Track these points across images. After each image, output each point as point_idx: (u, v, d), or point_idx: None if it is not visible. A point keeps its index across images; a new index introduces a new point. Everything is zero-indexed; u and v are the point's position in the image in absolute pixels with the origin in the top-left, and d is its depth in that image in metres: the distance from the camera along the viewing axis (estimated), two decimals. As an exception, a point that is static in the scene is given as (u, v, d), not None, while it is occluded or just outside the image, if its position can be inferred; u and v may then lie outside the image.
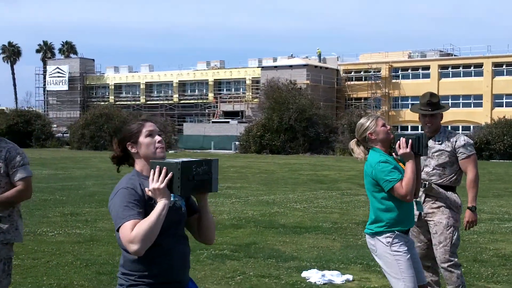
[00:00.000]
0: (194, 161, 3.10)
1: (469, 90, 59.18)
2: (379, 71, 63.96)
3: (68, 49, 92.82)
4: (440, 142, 5.82)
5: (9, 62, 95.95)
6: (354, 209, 14.42)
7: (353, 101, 64.67)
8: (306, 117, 53.12)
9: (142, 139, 3.27)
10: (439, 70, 61.34)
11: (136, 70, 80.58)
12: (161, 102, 74.74)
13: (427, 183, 5.84)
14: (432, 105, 5.81)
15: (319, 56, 68.49)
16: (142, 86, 76.89)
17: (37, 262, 8.03)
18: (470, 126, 56.28)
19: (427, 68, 62.06)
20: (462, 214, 5.84)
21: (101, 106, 63.60)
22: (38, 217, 12.16)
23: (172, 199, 3.14)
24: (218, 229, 10.97)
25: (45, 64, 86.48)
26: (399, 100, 63.46)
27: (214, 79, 72.35)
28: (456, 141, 5.80)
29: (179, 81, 74.46)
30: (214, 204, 14.75)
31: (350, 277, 7.38)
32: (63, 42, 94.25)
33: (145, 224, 2.98)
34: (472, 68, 60.15)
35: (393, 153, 4.68)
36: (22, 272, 7.42)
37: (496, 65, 58.96)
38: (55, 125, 72.02)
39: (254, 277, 7.34)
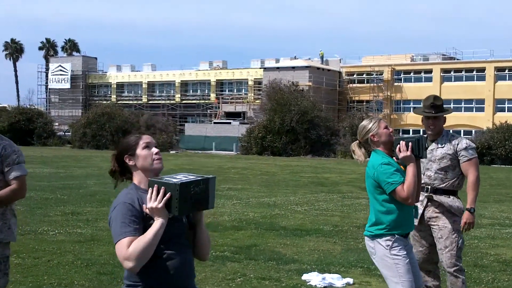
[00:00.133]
0: (193, 181, 3.11)
1: (471, 94, 59.15)
2: (382, 74, 63.96)
3: (71, 47, 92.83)
4: (442, 146, 5.82)
5: (11, 59, 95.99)
6: (355, 212, 14.41)
7: (355, 103, 64.67)
8: (308, 119, 53.12)
9: (140, 151, 3.30)
10: (441, 74, 61.31)
11: (139, 69, 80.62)
12: (163, 101, 74.77)
13: (429, 187, 5.84)
14: (436, 108, 5.82)
15: (322, 58, 68.47)
16: (144, 86, 76.91)
17: (38, 261, 8.03)
18: (471, 131, 56.24)
19: (430, 71, 62.03)
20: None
21: (103, 105, 63.65)
22: (39, 216, 12.17)
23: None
24: (218, 230, 10.98)
25: (47, 62, 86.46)
26: (401, 104, 63.43)
27: (216, 80, 72.35)
28: (458, 144, 5.80)
29: (181, 81, 74.49)
30: (215, 206, 14.73)
31: (350, 280, 7.38)
32: (66, 39, 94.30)
33: (141, 242, 3.03)
34: (474, 72, 60.12)
35: (394, 157, 4.68)
36: (23, 271, 7.43)
37: (498, 69, 58.93)
38: (56, 124, 72.05)
39: (254, 279, 7.34)
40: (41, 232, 10.29)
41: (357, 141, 4.85)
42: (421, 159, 5.46)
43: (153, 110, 71.15)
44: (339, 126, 54.05)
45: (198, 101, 72.66)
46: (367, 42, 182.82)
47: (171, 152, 53.48)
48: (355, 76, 66.38)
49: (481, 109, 58.98)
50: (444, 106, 5.98)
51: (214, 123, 65.64)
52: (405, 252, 4.59)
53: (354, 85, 65.98)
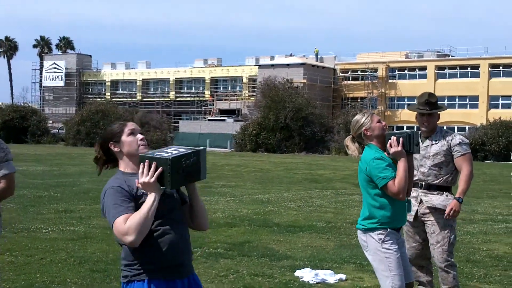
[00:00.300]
0: (184, 155, 3.14)
1: (466, 91, 59.29)
2: (376, 71, 64.02)
3: (65, 44, 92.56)
4: (436, 142, 5.84)
5: (5, 57, 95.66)
6: (348, 209, 14.44)
7: (350, 100, 64.73)
8: (302, 116, 53.16)
9: (125, 137, 3.35)
10: (435, 71, 61.42)
11: (133, 67, 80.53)
12: (158, 99, 74.68)
13: (423, 183, 5.85)
14: (430, 105, 5.83)
15: (317, 55, 68.49)
16: (139, 83, 76.82)
17: (31, 259, 8.02)
18: (465, 127, 56.36)
19: (424, 68, 62.14)
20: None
21: (97, 103, 63.53)
22: (32, 214, 12.15)
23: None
24: (212, 227, 10.97)
25: (42, 60, 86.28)
26: (396, 100, 63.53)
27: (211, 77, 72.31)
28: (452, 140, 5.82)
29: (175, 78, 74.41)
30: (208, 202, 14.75)
31: (343, 276, 7.39)
32: (60, 37, 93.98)
33: (137, 216, 3.06)
34: (469, 69, 60.25)
35: (385, 152, 4.69)
36: (16, 269, 7.42)
37: (492, 66, 59.06)
38: (50, 121, 71.94)
39: (247, 276, 7.35)
40: (34, 230, 10.27)
41: (351, 135, 4.86)
42: (415, 155, 5.49)
43: (147, 107, 71.09)
44: (334, 123, 54.12)
45: (192, 99, 72.61)
46: (362, 40, 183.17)
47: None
48: (349, 73, 66.43)
49: (475, 106, 59.12)
50: (438, 103, 6.00)
51: (209, 120, 65.63)
52: (396, 247, 4.61)
53: (349, 82, 66.04)
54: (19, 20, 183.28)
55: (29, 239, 9.37)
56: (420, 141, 5.57)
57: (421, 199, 5.83)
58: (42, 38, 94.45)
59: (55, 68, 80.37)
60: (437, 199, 5.77)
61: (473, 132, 49.60)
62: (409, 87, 60.70)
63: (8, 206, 12.35)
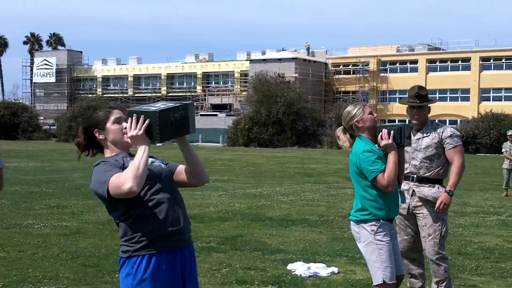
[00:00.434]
0: (172, 108, 3.17)
1: (457, 84, 59.46)
2: (367, 65, 64.10)
3: (56, 41, 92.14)
4: (428, 135, 5.85)
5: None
6: (340, 202, 14.47)
7: (341, 94, 64.82)
8: (294, 111, 53.21)
9: (110, 125, 3.38)
10: (427, 64, 61.56)
11: (124, 63, 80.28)
12: (149, 94, 74.52)
13: (415, 176, 5.87)
14: (420, 97, 5.85)
15: (308, 49, 68.52)
16: (130, 79, 76.63)
17: (23, 254, 8.00)
18: (457, 120, 56.55)
19: (415, 62, 62.26)
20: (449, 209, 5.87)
21: (88, 99, 63.41)
22: (24, 210, 12.12)
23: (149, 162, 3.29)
24: (204, 221, 10.99)
25: (32, 56, 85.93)
26: (387, 94, 63.66)
27: (203, 72, 72.22)
28: (443, 132, 5.83)
29: (167, 73, 74.27)
30: (201, 197, 14.75)
31: (335, 269, 7.41)
32: (50, 34, 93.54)
33: (130, 167, 3.10)
34: (459, 62, 60.42)
35: (376, 145, 4.71)
36: (8, 264, 7.40)
37: (483, 59, 59.24)
38: (42, 118, 71.71)
39: (240, 270, 7.36)
40: (26, 225, 10.25)
41: (342, 127, 4.87)
42: (406, 148, 5.50)
43: (139, 103, 70.80)
44: (326, 117, 54.21)
45: (184, 94, 72.46)
46: (353, 34, 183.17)
47: (158, 144, 53.35)
48: (341, 67, 66.49)
49: (467, 99, 59.31)
50: (428, 96, 6.01)
51: (201, 115, 65.54)
52: (388, 238, 4.63)
53: (340, 76, 66.10)
54: (9, 17, 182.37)
55: (21, 235, 9.35)
56: (411, 134, 5.59)
57: (413, 191, 5.84)
58: (33, 34, 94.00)
59: (46, 64, 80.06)
60: (428, 191, 5.79)
61: (465, 125, 49.81)
62: (400, 81, 60.79)
63: (-1, 202, 12.33)
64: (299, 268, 7.36)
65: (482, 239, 9.82)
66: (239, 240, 9.33)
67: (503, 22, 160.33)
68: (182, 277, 3.33)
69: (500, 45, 61.90)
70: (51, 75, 79.71)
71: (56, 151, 38.72)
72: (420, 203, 5.82)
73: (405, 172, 5.74)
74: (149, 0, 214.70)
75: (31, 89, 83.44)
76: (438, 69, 61.37)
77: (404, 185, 5.80)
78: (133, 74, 76.59)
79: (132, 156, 3.38)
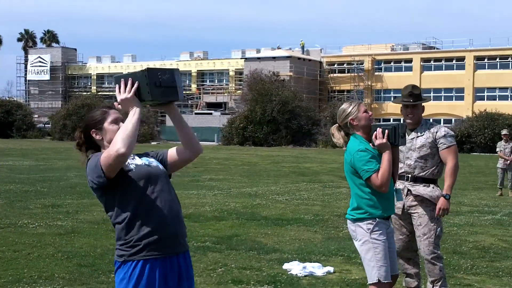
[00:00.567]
0: (159, 69, 3.23)
1: (451, 83, 59.58)
2: (362, 64, 64.17)
3: (50, 38, 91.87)
4: (422, 134, 5.86)
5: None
6: (335, 201, 14.48)
7: (336, 93, 64.89)
8: (289, 109, 53.22)
9: (107, 125, 3.35)
10: (421, 63, 61.67)
11: (119, 60, 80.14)
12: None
13: (409, 176, 5.88)
14: (414, 96, 5.86)
15: (303, 48, 68.54)
16: (125, 77, 76.37)
17: (18, 254, 7.98)
18: (451, 119, 56.67)
19: (410, 61, 62.35)
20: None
21: (83, 97, 63.29)
22: (19, 209, 12.08)
23: (145, 159, 3.33)
24: (200, 221, 10.99)
25: (26, 53, 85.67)
26: (382, 93, 63.75)
27: (197, 70, 72.16)
28: (437, 132, 5.84)
29: (162, 71, 74.02)
30: (196, 196, 14.75)
31: (331, 269, 7.41)
32: (44, 31, 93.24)
33: (122, 129, 3.10)
34: (454, 61, 60.54)
35: (370, 143, 4.71)
36: (3, 264, 7.38)
37: (478, 58, 59.37)
38: (36, 116, 71.47)
39: (235, 269, 7.36)
40: (21, 225, 10.22)
41: (337, 124, 4.87)
42: (401, 148, 5.51)
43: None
44: (320, 115, 54.24)
45: (179, 92, 72.28)
46: (347, 33, 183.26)
47: (153, 143, 53.37)
48: (335, 66, 66.55)
49: (461, 98, 59.43)
50: (422, 95, 6.03)
51: (196, 113, 65.51)
52: (384, 237, 4.64)
53: (335, 75, 66.17)
54: (3, 14, 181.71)
55: (16, 234, 9.33)
56: (406, 133, 5.59)
57: (408, 190, 5.85)
58: (27, 31, 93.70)
59: (40, 62, 79.85)
60: (424, 190, 5.80)
61: (459, 124, 49.93)
62: (395, 80, 60.88)
63: (-6, 201, 12.28)
64: (295, 268, 7.36)
65: (477, 238, 9.85)
66: (234, 239, 9.33)
67: (498, 21, 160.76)
68: (179, 284, 3.31)
69: (494, 44, 62.23)
70: (45, 73, 79.52)
71: (51, 149, 38.63)
72: (415, 203, 5.83)
73: (400, 171, 5.76)
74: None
75: (25, 87, 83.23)
76: (433, 68, 61.48)
77: (399, 185, 5.81)
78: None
79: (132, 155, 3.38)
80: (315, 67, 66.23)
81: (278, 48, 69.20)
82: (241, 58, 68.34)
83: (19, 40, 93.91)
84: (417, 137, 5.87)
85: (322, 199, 14.89)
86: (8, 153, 32.31)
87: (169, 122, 64.58)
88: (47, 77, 79.28)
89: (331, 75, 66.37)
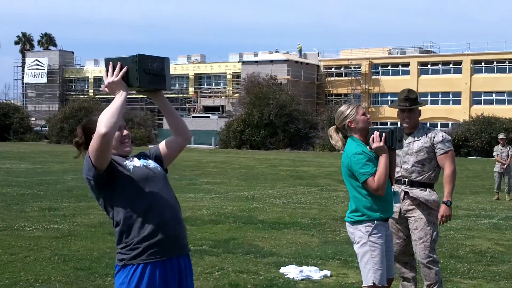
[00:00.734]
0: (149, 56, 3.24)
1: (448, 87, 59.65)
2: (359, 67, 64.22)
3: (47, 41, 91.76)
4: (419, 139, 5.87)
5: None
6: (333, 205, 14.48)
7: (333, 97, 64.90)
8: (286, 113, 53.25)
9: None
10: (418, 67, 61.73)
11: (116, 64, 79.95)
12: (141, 96, 74.30)
13: (406, 180, 5.88)
14: (410, 101, 5.87)
15: (300, 51, 68.58)
16: (122, 80, 76.33)
17: (14, 257, 7.97)
18: (448, 123, 56.73)
19: (407, 64, 62.42)
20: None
21: (80, 100, 63.22)
22: (16, 212, 12.07)
23: (144, 161, 3.35)
24: (197, 224, 10.98)
25: (23, 56, 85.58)
26: (379, 97, 63.80)
27: (195, 73, 72.16)
28: (434, 137, 5.85)
29: (159, 75, 74.00)
30: (193, 200, 14.74)
31: (328, 272, 7.41)
32: (42, 34, 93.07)
33: (105, 110, 3.11)
34: (451, 65, 60.62)
35: (368, 147, 4.72)
36: (-1, 267, 7.37)
37: (475, 62, 59.46)
38: (33, 118, 71.42)
39: (232, 273, 7.35)
40: (17, 228, 10.20)
41: (335, 126, 4.88)
42: (398, 152, 5.51)
43: (131, 104, 70.70)
44: (318, 119, 54.27)
45: (176, 95, 72.36)
46: (345, 36, 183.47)
47: (150, 146, 53.32)
48: (333, 69, 66.60)
49: (458, 102, 59.50)
50: (419, 99, 6.04)
51: (193, 117, 65.47)
52: (382, 241, 4.64)
53: (332, 78, 66.21)
54: (0, 16, 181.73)
55: (13, 237, 9.31)
56: (403, 137, 5.60)
57: (404, 194, 5.85)
58: (24, 34, 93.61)
59: (37, 65, 79.77)
60: (421, 193, 5.81)
61: (456, 128, 49.96)
62: (392, 83, 60.94)
63: (-9, 205, 12.25)
64: (292, 272, 7.36)
65: (474, 242, 9.86)
66: (231, 243, 9.32)
67: (495, 25, 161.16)
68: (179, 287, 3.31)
69: (491, 48, 62.36)
70: (42, 76, 79.44)
71: (48, 152, 38.59)
72: (412, 207, 5.84)
73: (397, 175, 5.76)
74: (141, 0, 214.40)
75: (23, 90, 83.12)
76: (430, 72, 61.55)
77: (396, 189, 5.81)
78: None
79: (130, 157, 3.39)
80: (313, 70, 66.28)
81: (276, 51, 69.23)
82: (238, 62, 68.34)
83: (16, 43, 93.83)
84: (414, 141, 5.88)
85: (319, 203, 14.89)
86: (5, 156, 32.27)
87: (166, 125, 64.56)
88: (44, 80, 79.19)
89: (329, 78, 66.41)
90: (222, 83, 70.87)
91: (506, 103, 57.35)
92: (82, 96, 70.69)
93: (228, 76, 69.37)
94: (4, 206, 12.83)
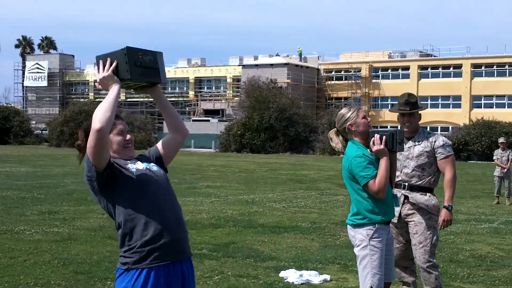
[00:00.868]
0: (139, 49, 3.27)
1: (448, 91, 59.69)
2: (359, 71, 64.28)
3: (48, 44, 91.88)
4: (419, 143, 5.87)
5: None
6: (332, 209, 14.47)
7: (333, 100, 64.93)
8: (287, 116, 53.24)
9: (113, 136, 3.37)
10: (418, 71, 61.78)
11: (116, 67, 79.99)
12: (142, 99, 74.34)
13: (406, 184, 5.88)
14: (410, 105, 5.87)
15: (300, 55, 68.65)
16: (122, 83, 76.38)
17: (14, 261, 7.97)
18: (448, 127, 56.73)
19: (407, 68, 62.47)
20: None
21: (80, 103, 63.21)
22: (16, 215, 12.06)
23: (146, 165, 3.36)
24: (196, 228, 10.97)
25: (24, 60, 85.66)
26: (379, 100, 63.84)
27: (195, 77, 72.20)
28: (435, 141, 5.85)
29: (159, 78, 74.03)
30: (193, 203, 14.74)
31: (327, 277, 7.41)
32: (42, 37, 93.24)
33: (99, 105, 3.15)
34: (451, 69, 60.67)
35: (368, 149, 4.72)
36: (-1, 271, 7.36)
37: (475, 66, 59.51)
38: (33, 122, 71.43)
39: (232, 277, 7.35)
40: (17, 231, 10.20)
41: (335, 128, 4.88)
42: (398, 157, 5.52)
43: (131, 108, 70.78)
44: (318, 123, 54.25)
45: (176, 99, 72.38)
46: (345, 40, 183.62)
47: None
48: (333, 73, 66.65)
49: (458, 106, 59.52)
50: (419, 102, 6.04)
51: (193, 120, 65.49)
52: (382, 246, 4.64)
53: (332, 82, 66.25)
54: (0, 20, 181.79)
55: (13, 241, 9.31)
56: (404, 140, 5.60)
57: (404, 198, 5.85)
58: (24, 38, 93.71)
59: (38, 68, 79.82)
60: (421, 197, 5.81)
61: (456, 132, 49.93)
62: (392, 87, 60.98)
63: (-10, 208, 12.25)
64: (291, 276, 7.36)
65: (474, 246, 9.85)
66: (231, 247, 9.32)
67: (495, 29, 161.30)
68: None
69: (491, 51, 62.61)
70: (43, 79, 79.48)
71: (48, 156, 38.58)
72: (411, 211, 5.84)
73: (397, 180, 5.77)
74: (141, 4, 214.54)
75: (23, 93, 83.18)
76: (430, 76, 61.60)
77: (396, 193, 5.81)
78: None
79: (134, 160, 3.40)
80: (313, 74, 66.33)
81: (277, 55, 69.29)
82: (238, 65, 68.41)
83: (16, 46, 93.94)
84: (415, 146, 5.88)
85: (319, 207, 14.89)
86: (5, 159, 32.27)
87: (166, 129, 64.61)
88: (44, 83, 79.23)
89: (329, 82, 66.45)
90: (222, 87, 70.92)
91: (506, 107, 57.38)
92: (82, 100, 70.75)
93: (228, 80, 69.41)
94: (4, 209, 12.83)
